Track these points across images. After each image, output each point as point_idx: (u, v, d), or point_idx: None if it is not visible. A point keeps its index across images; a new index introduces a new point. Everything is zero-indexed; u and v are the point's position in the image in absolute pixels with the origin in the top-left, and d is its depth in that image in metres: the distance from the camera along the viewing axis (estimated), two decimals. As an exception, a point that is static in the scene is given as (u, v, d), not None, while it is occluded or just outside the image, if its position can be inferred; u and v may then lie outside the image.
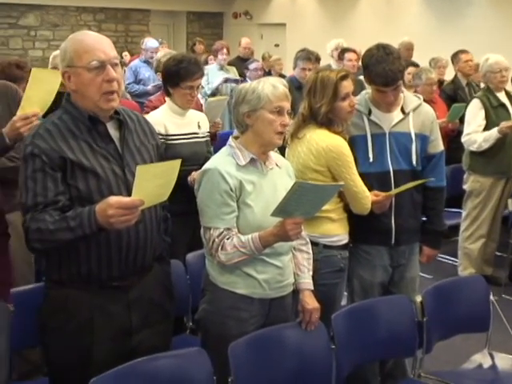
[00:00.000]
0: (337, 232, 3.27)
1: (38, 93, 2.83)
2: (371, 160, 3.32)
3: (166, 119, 3.84)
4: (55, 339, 2.48)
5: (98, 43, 2.38)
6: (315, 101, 3.21)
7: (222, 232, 2.65)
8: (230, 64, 8.59)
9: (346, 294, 3.62)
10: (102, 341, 2.44)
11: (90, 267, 2.40)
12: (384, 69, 3.18)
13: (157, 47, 8.22)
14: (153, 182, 2.18)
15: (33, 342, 2.86)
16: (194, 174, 3.43)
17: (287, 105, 2.71)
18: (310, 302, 2.85)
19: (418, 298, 3.31)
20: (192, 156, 3.65)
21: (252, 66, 7.76)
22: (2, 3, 11.92)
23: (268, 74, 8.86)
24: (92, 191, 2.34)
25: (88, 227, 2.22)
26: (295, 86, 5.61)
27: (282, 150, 3.25)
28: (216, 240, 2.66)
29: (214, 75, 7.99)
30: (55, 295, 2.48)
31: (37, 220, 2.27)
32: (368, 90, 3.45)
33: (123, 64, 8.60)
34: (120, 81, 2.42)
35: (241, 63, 8.80)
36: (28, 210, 2.30)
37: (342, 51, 7.21)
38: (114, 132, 2.47)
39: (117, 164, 2.42)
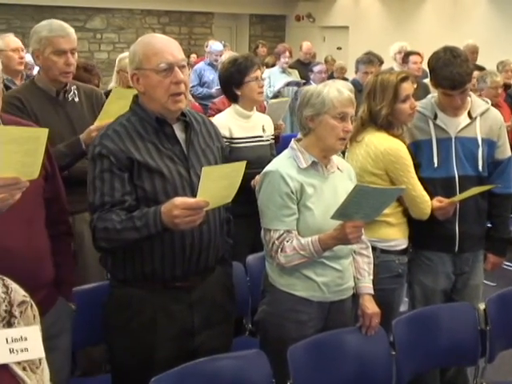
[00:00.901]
0: (395, 237, 3.24)
1: (116, 106, 2.91)
2: (436, 165, 3.27)
3: (231, 122, 3.85)
4: (118, 337, 2.54)
5: (167, 46, 2.42)
6: (375, 103, 3.18)
7: (282, 234, 2.66)
8: (290, 67, 8.60)
9: (406, 299, 3.58)
10: (164, 340, 2.47)
11: (154, 267, 2.44)
12: (451, 72, 3.13)
13: (221, 50, 8.26)
14: (218, 184, 2.21)
15: (96, 340, 2.92)
16: (258, 178, 3.45)
17: (351, 111, 2.70)
18: (370, 307, 2.82)
19: (482, 306, 3.24)
20: (256, 159, 3.62)
21: (316, 68, 7.77)
22: (70, 7, 12.22)
23: (331, 76, 8.83)
24: (158, 192, 2.38)
25: (153, 227, 2.25)
26: (358, 89, 5.57)
27: (342, 153, 3.24)
28: (276, 242, 2.67)
29: (276, 78, 8.01)
30: (119, 294, 2.53)
31: (104, 219, 2.32)
32: (434, 94, 3.40)
33: (190, 65, 8.69)
34: (187, 83, 2.45)
35: (301, 67, 8.80)
36: (95, 209, 2.36)
37: (407, 54, 7.14)
38: (180, 134, 2.50)
39: (182, 165, 2.45)
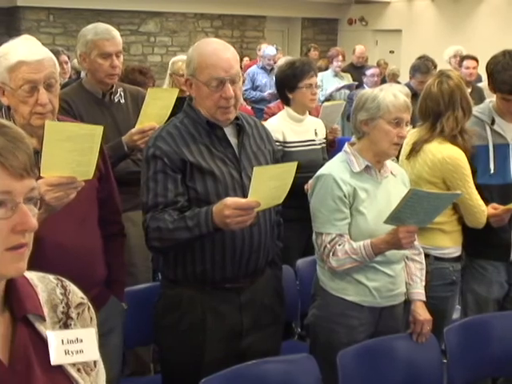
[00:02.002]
0: (449, 244, 3.19)
1: (155, 109, 2.96)
2: (492, 171, 3.20)
3: (284, 126, 3.86)
4: (168, 337, 2.56)
5: (220, 58, 2.41)
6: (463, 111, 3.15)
7: (334, 238, 2.65)
8: (343, 71, 8.56)
9: (458, 307, 3.51)
10: (213, 341, 2.48)
11: (205, 268, 2.46)
12: (511, 76, 3.06)
13: (274, 55, 8.30)
14: (269, 184, 2.21)
15: (145, 340, 2.96)
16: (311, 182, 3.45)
17: (406, 116, 2.66)
18: (422, 313, 2.79)
19: (536, 316, 3.17)
20: (309, 163, 3.59)
21: (369, 72, 7.73)
22: (124, 11, 12.38)
23: (383, 80, 8.76)
24: (209, 193, 2.40)
25: (205, 227, 2.27)
26: (411, 93, 5.50)
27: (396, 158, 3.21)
28: (328, 245, 2.66)
29: (328, 82, 8.00)
30: (170, 294, 2.55)
31: (157, 219, 2.35)
32: (492, 99, 3.33)
33: (242, 70, 8.72)
34: (238, 96, 2.46)
35: (354, 70, 8.76)
36: (148, 209, 2.39)
37: (462, 58, 7.03)
38: (232, 136, 2.52)
39: (234, 167, 2.47)
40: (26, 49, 2.22)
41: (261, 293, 2.59)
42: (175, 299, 2.52)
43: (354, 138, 2.84)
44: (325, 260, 2.68)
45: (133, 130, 3.03)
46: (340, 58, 8.28)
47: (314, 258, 2.93)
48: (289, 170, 2.28)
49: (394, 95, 2.65)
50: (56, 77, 2.26)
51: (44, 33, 11.53)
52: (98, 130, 2.04)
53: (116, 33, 3.31)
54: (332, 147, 4.35)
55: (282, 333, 2.83)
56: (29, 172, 1.20)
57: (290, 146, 3.82)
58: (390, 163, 2.82)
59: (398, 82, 8.05)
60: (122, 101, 3.38)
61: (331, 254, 2.64)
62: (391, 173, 2.79)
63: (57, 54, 4.72)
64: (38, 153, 1.88)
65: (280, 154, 3.39)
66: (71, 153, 1.99)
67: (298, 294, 3.37)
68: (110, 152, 3.04)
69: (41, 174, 1.91)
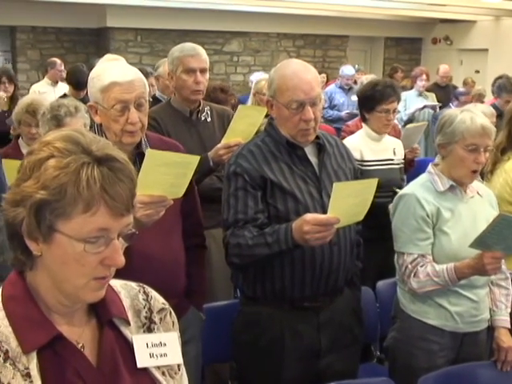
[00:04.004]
0: (537, 270, 3.07)
1: (242, 125, 3.01)
2: None
3: (362, 145, 3.85)
4: (247, 354, 2.57)
5: (301, 81, 2.42)
6: None
7: (416, 258, 2.60)
8: (427, 90, 8.45)
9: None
10: (291, 360, 2.48)
11: (284, 285, 2.46)
12: None
13: (353, 74, 8.32)
14: (348, 201, 2.20)
15: (224, 357, 2.96)
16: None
17: (485, 142, 2.57)
18: (506, 341, 2.70)
19: None
20: (386, 183, 3.57)
21: (462, 98, 7.56)
22: (209, 31, 12.60)
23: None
24: (289, 211, 2.40)
25: (284, 243, 2.28)
26: (497, 113, 5.38)
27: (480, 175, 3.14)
28: (409, 266, 2.61)
29: (411, 101, 7.91)
30: (249, 311, 2.57)
31: (237, 235, 2.38)
32: None
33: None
34: (318, 118, 2.47)
35: (438, 90, 8.63)
36: (229, 226, 2.42)
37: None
38: (312, 155, 2.53)
39: (314, 186, 2.47)
40: (119, 70, 2.31)
41: (339, 313, 2.57)
42: (254, 317, 2.53)
43: (437, 159, 2.79)
44: (405, 281, 2.64)
45: (219, 145, 3.10)
46: (424, 77, 8.18)
47: (395, 280, 2.89)
48: (369, 186, 2.27)
49: (472, 120, 2.56)
50: (145, 96, 2.34)
51: (131, 52, 11.85)
52: (195, 159, 2.15)
53: (201, 50, 3.38)
54: (411, 166, 4.30)
55: (361, 355, 2.79)
56: (129, 210, 1.23)
57: (367, 165, 3.80)
58: (476, 183, 2.76)
59: (483, 103, 7.87)
60: (209, 119, 3.44)
61: (412, 274, 2.60)
62: (477, 193, 2.72)
63: (146, 75, 4.83)
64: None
65: (359, 172, 3.37)
66: (166, 176, 2.09)
67: (377, 316, 3.32)
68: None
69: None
